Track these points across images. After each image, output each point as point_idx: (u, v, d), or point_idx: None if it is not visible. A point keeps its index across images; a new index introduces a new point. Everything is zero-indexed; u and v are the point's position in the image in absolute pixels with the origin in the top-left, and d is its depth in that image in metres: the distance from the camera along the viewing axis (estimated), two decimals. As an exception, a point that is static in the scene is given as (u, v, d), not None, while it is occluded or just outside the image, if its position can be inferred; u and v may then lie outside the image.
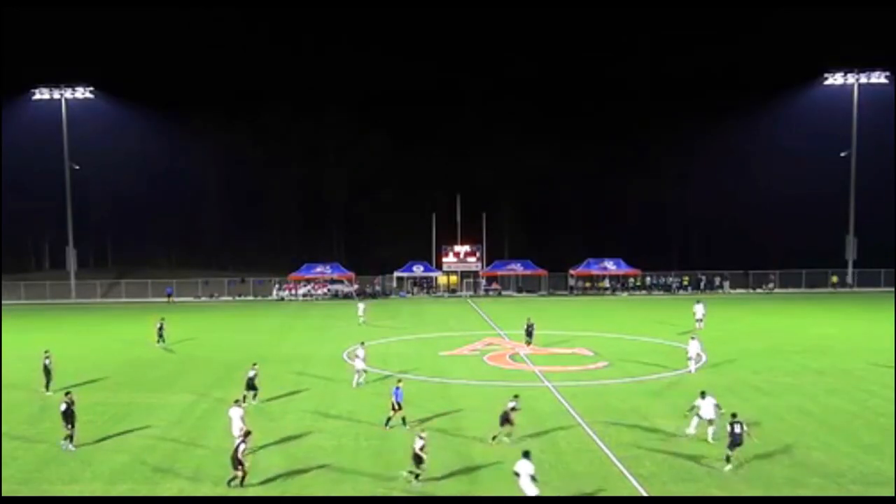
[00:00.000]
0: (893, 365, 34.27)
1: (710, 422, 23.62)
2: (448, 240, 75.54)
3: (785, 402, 28.45)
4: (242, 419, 22.83)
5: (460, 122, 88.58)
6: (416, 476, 20.48)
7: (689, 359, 34.16)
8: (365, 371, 32.47)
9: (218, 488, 20.24)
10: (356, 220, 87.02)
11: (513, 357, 38.61)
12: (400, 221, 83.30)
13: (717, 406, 23.75)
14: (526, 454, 18.99)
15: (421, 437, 20.72)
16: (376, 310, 59.50)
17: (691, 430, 24.13)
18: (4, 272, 76.63)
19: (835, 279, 73.70)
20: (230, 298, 73.43)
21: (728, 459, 21.23)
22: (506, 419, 23.55)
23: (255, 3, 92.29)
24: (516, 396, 24.88)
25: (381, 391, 29.77)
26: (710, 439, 23.40)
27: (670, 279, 74.11)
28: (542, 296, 72.12)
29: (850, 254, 74.44)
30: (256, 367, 29.65)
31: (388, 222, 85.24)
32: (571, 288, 74.08)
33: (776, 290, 72.62)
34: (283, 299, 72.10)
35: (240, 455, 20.06)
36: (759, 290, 72.69)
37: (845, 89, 73.88)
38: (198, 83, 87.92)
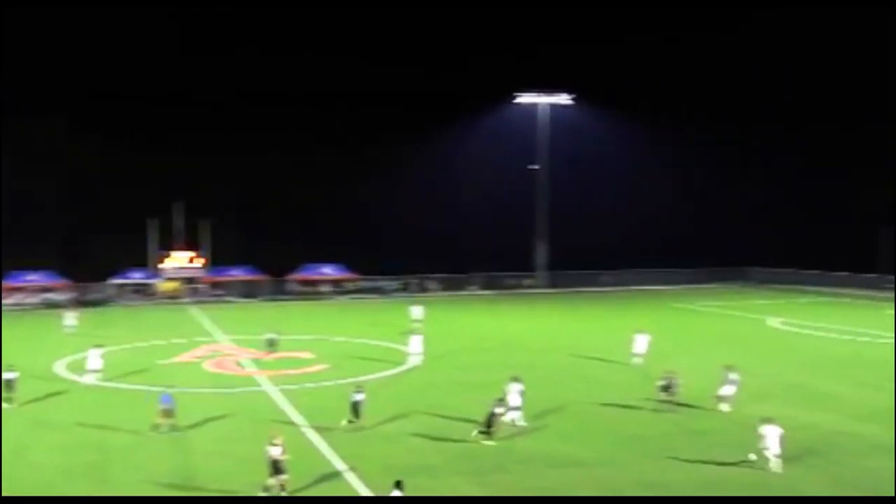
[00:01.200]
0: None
1: (517, 408, 26.98)
2: (169, 245, 74.75)
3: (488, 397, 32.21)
4: None
5: (181, 124, 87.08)
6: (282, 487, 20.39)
7: (411, 354, 38.13)
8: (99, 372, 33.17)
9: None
10: (72, 227, 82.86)
11: (235, 362, 40.11)
12: (118, 227, 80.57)
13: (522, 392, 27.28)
14: None
15: (276, 445, 20.52)
16: (93, 318, 58.06)
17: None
18: None
19: (529, 281, 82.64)
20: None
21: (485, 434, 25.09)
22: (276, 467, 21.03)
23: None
24: (360, 387, 27.50)
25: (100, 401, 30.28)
26: (516, 423, 26.61)
27: (385, 283, 78.65)
28: (265, 301, 73.57)
29: (541, 257, 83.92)
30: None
31: (105, 228, 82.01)
32: (292, 293, 76.19)
33: (478, 292, 79.45)
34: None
35: None
36: (463, 292, 79.07)
37: (535, 109, 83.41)
38: None
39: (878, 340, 46.78)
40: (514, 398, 27.18)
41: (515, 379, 27.73)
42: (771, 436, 22.46)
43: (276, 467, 20.44)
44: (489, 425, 25.24)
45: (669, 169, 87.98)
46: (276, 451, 20.52)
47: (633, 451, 24.71)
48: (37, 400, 31.57)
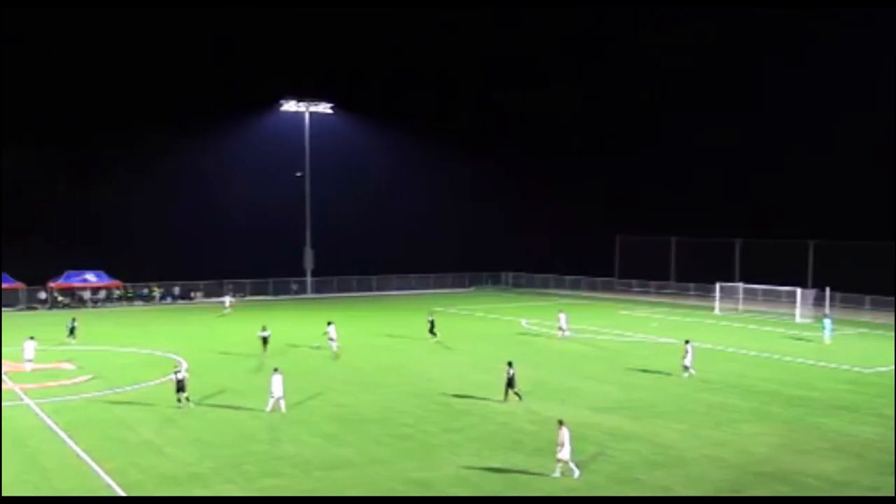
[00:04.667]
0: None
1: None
2: None
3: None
4: None
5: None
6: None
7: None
8: None
9: None
10: None
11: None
12: None
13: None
14: None
15: (178, 371, 32.65)
16: None
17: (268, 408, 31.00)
18: None
19: (295, 286, 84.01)
20: None
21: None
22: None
23: None
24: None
25: None
26: None
27: (153, 291, 77.09)
28: (20, 310, 69.59)
29: (308, 263, 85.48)
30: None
31: None
32: (54, 301, 72.37)
33: (247, 298, 79.28)
34: None
35: None
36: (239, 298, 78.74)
37: (299, 116, 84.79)
38: None
39: (619, 339, 52.52)
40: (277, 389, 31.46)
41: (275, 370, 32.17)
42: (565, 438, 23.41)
43: (180, 385, 31.78)
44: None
45: (430, 177, 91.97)
46: (180, 375, 31.97)
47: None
48: None
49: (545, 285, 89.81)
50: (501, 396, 33.08)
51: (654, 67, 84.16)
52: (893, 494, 22.40)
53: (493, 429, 29.06)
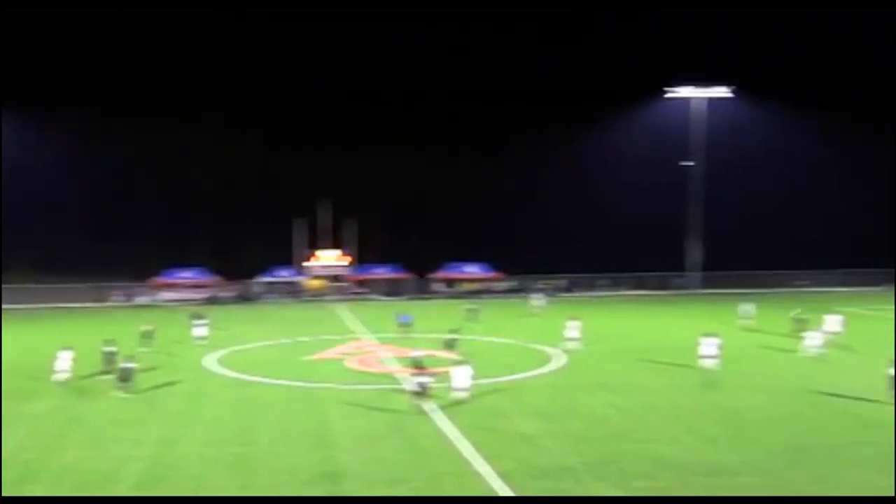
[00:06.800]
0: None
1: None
2: (315, 243, 76.27)
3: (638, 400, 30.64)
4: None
5: (327, 123, 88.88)
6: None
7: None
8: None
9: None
10: (222, 224, 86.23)
11: (379, 360, 40.01)
12: (267, 225, 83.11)
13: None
14: None
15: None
16: (242, 314, 59.80)
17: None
18: None
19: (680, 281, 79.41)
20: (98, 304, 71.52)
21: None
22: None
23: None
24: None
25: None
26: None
27: (531, 283, 77.24)
28: (409, 299, 73.60)
29: (697, 256, 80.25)
30: None
31: (254, 226, 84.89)
32: (435, 292, 76.07)
33: (628, 291, 76.88)
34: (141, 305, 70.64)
35: None
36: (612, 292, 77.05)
37: (687, 103, 79.60)
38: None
39: None
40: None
41: None
42: None
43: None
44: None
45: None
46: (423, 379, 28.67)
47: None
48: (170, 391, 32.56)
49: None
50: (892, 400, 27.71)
51: None
52: (893, 495, 19.57)
53: None
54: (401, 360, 39.30)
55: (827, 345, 39.19)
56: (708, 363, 33.41)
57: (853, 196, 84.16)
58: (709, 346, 33.61)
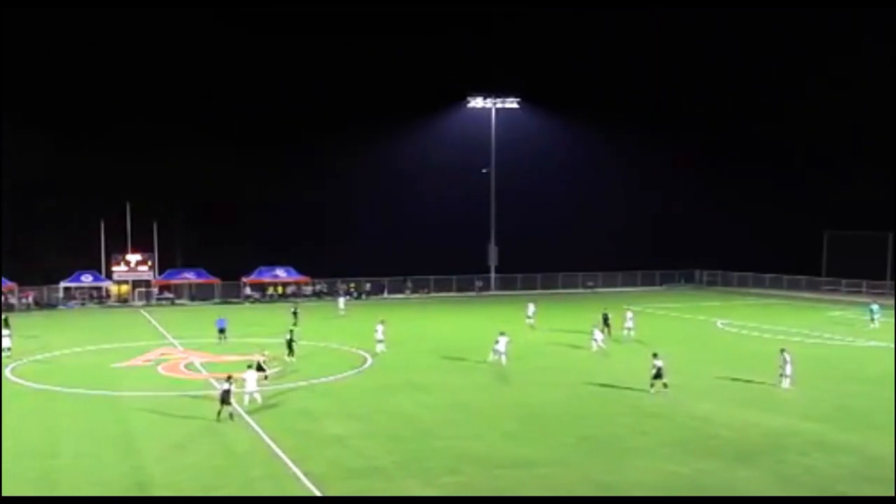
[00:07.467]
0: None
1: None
2: (119, 248, 73.78)
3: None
4: None
5: (131, 124, 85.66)
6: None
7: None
8: None
9: None
10: (17, 229, 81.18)
11: (187, 366, 39.86)
12: (66, 229, 79.16)
13: None
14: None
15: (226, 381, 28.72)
16: (41, 322, 57.27)
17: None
18: None
19: (480, 283, 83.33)
20: None
21: None
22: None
23: None
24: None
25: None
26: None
27: (351, 287, 78.51)
28: (216, 304, 72.81)
29: (493, 260, 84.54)
30: None
31: (53, 230, 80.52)
32: (245, 296, 75.54)
33: (432, 294, 79.83)
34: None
35: None
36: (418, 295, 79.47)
37: (485, 112, 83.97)
38: None
39: (829, 342, 48.18)
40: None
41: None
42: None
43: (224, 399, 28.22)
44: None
45: (618, 171, 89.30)
46: (225, 386, 28.52)
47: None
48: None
49: (743, 283, 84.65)
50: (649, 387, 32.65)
51: None
52: (893, 494, 20.94)
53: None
54: (209, 365, 39.42)
55: (626, 340, 46.38)
56: (494, 357, 39.09)
57: (636, 201, 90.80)
58: (500, 344, 39.13)
